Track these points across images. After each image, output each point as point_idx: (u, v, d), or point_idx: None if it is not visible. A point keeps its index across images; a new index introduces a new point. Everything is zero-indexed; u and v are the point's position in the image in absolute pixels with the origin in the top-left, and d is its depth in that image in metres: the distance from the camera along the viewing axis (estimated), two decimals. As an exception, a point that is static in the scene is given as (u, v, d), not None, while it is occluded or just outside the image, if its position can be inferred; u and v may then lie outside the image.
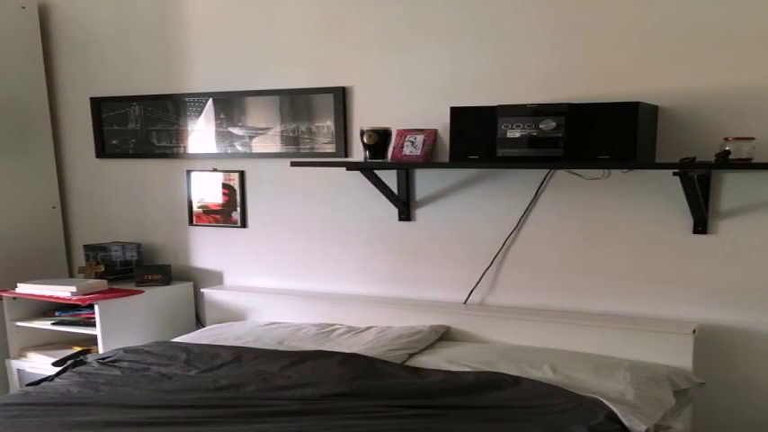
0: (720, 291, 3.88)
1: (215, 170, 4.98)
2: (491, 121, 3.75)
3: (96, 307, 4.34)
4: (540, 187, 4.16)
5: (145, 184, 5.25)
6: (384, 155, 4.19)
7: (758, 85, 3.65)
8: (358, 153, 4.41)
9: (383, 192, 4.36)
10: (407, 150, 4.22)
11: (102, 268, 5.03)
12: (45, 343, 4.81)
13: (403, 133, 4.24)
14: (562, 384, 3.34)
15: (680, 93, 3.80)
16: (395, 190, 4.40)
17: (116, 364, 3.67)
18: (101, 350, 4.32)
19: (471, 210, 4.33)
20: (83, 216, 5.54)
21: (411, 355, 3.79)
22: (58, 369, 3.67)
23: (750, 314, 3.84)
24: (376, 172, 4.26)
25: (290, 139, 4.69)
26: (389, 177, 4.41)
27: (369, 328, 4.25)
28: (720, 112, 3.73)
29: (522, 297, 4.30)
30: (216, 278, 5.14)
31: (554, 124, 3.65)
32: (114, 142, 5.27)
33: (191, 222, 5.13)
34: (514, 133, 3.72)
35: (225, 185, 4.97)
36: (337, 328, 4.27)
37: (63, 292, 4.52)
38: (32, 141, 5.28)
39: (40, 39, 5.21)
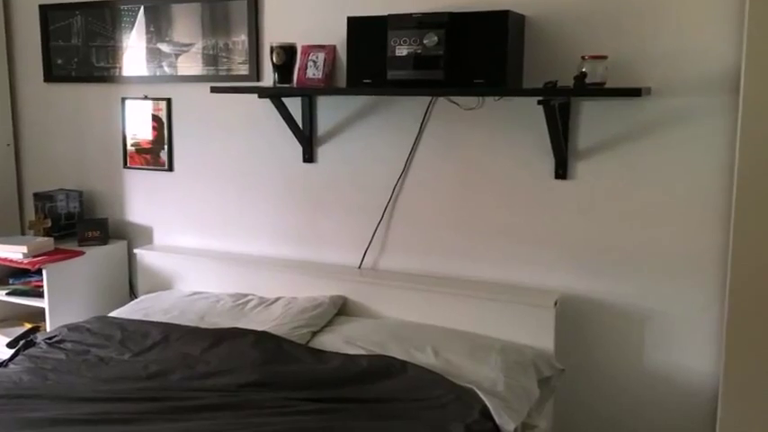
0: (577, 252, 3.69)
1: (146, 97, 4.92)
2: (384, 37, 3.71)
3: (44, 273, 4.57)
4: (423, 119, 4.01)
5: (86, 114, 5.17)
6: (291, 77, 4.20)
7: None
8: (269, 76, 4.33)
9: (290, 125, 4.30)
10: (310, 73, 4.20)
11: (48, 223, 5.06)
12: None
13: (306, 50, 4.25)
14: (443, 371, 3.47)
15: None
16: (299, 122, 4.36)
17: (61, 345, 3.98)
18: (48, 324, 4.59)
19: (365, 148, 4.22)
20: (33, 155, 5.44)
21: (314, 334, 3.97)
22: (12, 352, 3.98)
23: (603, 281, 3.63)
24: (283, 100, 4.28)
25: (211, 58, 4.62)
26: (295, 106, 4.33)
27: (277, 299, 4.38)
28: (579, 23, 3.51)
29: (407, 260, 4.16)
30: (146, 234, 5.03)
31: (435, 39, 3.56)
32: (59, 62, 5.23)
33: (125, 165, 5.06)
34: (402, 51, 3.64)
35: (154, 117, 4.88)
36: (250, 299, 4.43)
37: (15, 253, 4.64)
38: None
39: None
